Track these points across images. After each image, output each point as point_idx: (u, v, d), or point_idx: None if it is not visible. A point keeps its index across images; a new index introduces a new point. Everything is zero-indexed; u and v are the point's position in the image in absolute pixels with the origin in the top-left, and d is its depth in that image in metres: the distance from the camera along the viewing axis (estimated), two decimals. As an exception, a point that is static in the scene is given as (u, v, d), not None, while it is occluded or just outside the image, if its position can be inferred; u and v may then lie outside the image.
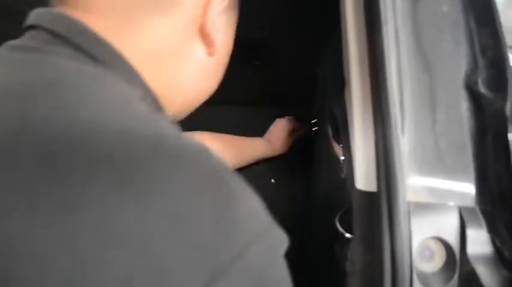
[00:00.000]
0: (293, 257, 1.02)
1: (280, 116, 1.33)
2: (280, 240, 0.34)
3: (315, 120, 1.23)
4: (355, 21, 0.54)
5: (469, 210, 0.43)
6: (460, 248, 0.42)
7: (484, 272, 0.40)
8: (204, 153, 0.32)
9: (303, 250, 1.04)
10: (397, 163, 0.43)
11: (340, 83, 0.70)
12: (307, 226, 1.08)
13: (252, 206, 0.33)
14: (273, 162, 1.26)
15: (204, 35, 0.43)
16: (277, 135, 1.23)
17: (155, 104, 0.41)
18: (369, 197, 0.47)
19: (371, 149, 0.47)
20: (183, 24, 0.41)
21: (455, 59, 0.51)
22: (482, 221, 0.43)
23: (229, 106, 1.38)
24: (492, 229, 0.42)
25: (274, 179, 1.20)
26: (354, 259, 0.50)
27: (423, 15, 0.52)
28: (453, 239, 0.42)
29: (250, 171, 1.23)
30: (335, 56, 0.91)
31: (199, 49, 0.44)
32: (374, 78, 0.48)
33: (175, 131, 0.34)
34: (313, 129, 1.23)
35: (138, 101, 0.35)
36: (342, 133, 0.73)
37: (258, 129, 1.31)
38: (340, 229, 0.57)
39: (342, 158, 0.74)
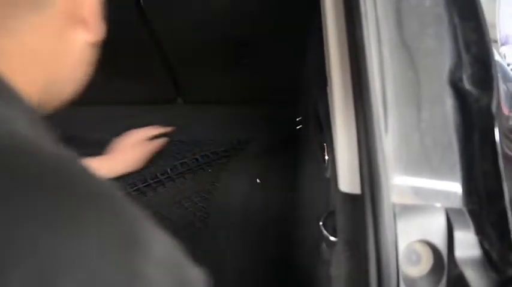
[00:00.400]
0: (282, 260, 1.00)
1: (267, 114, 1.32)
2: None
3: (299, 118, 1.21)
4: (334, 14, 0.52)
5: (456, 211, 0.41)
6: (448, 251, 0.40)
7: (472, 276, 0.39)
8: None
9: (291, 252, 1.02)
10: (381, 163, 0.42)
11: (322, 81, 0.68)
12: (294, 227, 1.06)
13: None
14: (258, 162, 1.24)
15: (82, 23, 0.40)
16: (122, 149, 1.12)
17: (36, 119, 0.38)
18: (353, 200, 0.45)
19: (353, 149, 0.45)
20: (59, 16, 0.38)
21: (439, 54, 0.49)
22: (470, 223, 0.41)
23: (217, 105, 1.37)
24: (480, 231, 0.40)
25: (260, 180, 1.18)
26: (339, 263, 0.48)
27: (405, 8, 0.51)
28: (440, 242, 0.40)
29: (234, 171, 1.21)
30: (318, 53, 0.90)
31: (81, 38, 0.42)
32: (355, 74, 0.46)
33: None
34: (298, 127, 1.22)
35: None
36: (326, 132, 0.71)
37: (246, 128, 1.29)
38: (325, 232, 0.55)
39: (326, 157, 0.73)
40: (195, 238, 1.09)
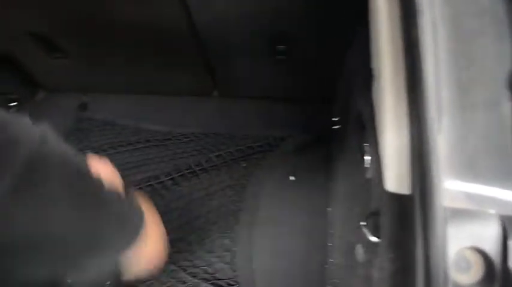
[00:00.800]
0: (313, 258, 0.98)
1: (303, 112, 1.31)
2: None
3: (337, 118, 1.19)
4: (387, 12, 0.50)
5: (511, 219, 0.40)
6: (501, 261, 0.38)
7: (526, 287, 0.37)
8: None
9: (324, 251, 1.01)
10: (433, 164, 0.40)
11: (367, 80, 0.67)
12: (327, 226, 1.05)
13: None
14: (292, 159, 1.23)
15: None
16: None
17: None
18: (401, 200, 0.44)
19: (404, 149, 0.44)
20: None
21: (498, 56, 0.47)
22: (527, 232, 0.39)
23: (252, 100, 1.37)
24: (537, 241, 0.39)
25: (293, 177, 1.17)
26: (382, 265, 0.47)
27: (463, 8, 0.49)
28: (493, 250, 0.39)
29: (268, 168, 1.20)
30: (362, 52, 0.88)
31: None
32: (409, 74, 0.45)
33: None
34: (334, 127, 1.20)
35: None
36: (368, 132, 0.70)
37: (282, 125, 1.29)
38: (366, 232, 0.54)
39: (367, 157, 0.71)
40: (226, 232, 1.10)
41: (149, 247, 0.51)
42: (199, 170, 1.23)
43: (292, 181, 1.17)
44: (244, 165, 1.22)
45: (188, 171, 1.23)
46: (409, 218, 0.41)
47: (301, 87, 1.31)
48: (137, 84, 1.50)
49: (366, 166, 0.72)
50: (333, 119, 1.22)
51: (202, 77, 1.36)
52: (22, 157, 0.37)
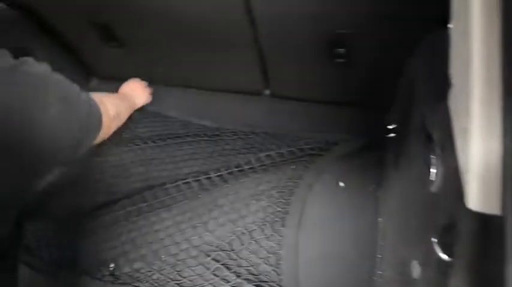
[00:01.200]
0: (361, 270, 0.94)
1: (356, 117, 1.27)
2: None
3: (392, 125, 1.15)
4: (483, 13, 0.46)
5: None
6: None
7: None
8: None
9: (372, 262, 0.98)
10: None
11: (440, 87, 0.63)
12: (377, 237, 1.01)
13: None
14: (341, 164, 1.20)
15: None
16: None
17: None
18: (486, 221, 0.40)
19: (495, 164, 0.40)
20: None
21: None
22: None
23: (304, 102, 1.34)
24: None
25: (343, 183, 1.14)
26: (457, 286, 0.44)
27: None
28: None
29: (317, 172, 1.17)
30: (432, 58, 0.84)
31: None
32: (506, 78, 0.41)
33: None
34: (389, 135, 1.16)
35: None
36: (439, 143, 0.66)
37: (334, 129, 1.26)
38: (439, 251, 0.50)
39: (434, 170, 0.67)
40: (272, 234, 1.08)
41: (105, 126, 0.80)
42: (248, 168, 1.21)
43: (342, 187, 1.13)
44: (293, 167, 1.20)
45: (237, 169, 1.22)
46: (497, 241, 0.37)
47: (357, 92, 1.27)
48: (188, 78, 1.51)
49: (431, 179, 0.68)
50: (388, 126, 1.18)
51: (255, 75, 1.35)
52: None
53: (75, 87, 0.73)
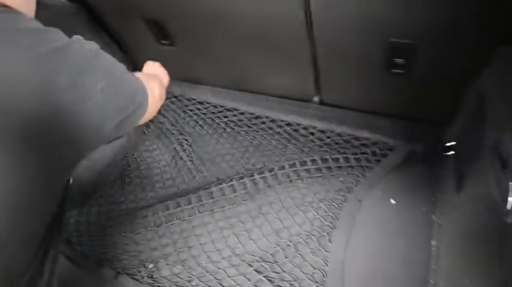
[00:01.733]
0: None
1: (410, 130, 1.21)
2: None
3: (451, 143, 1.09)
4: None
5: None
6: None
7: None
8: None
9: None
10: None
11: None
12: (429, 261, 0.95)
13: None
14: (392, 178, 1.14)
15: None
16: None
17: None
18: None
19: None
20: None
21: None
22: None
23: (356, 112, 1.29)
24: None
25: (394, 200, 1.08)
26: None
27: None
28: None
29: (367, 186, 1.12)
30: (510, 72, 0.78)
31: None
32: None
33: None
34: (448, 153, 1.09)
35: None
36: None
37: (385, 141, 1.20)
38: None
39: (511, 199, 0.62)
40: (318, 249, 1.04)
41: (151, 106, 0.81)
42: (293, 173, 1.19)
43: (393, 204, 1.08)
44: (341, 179, 1.15)
45: (282, 172, 1.19)
46: None
47: (413, 104, 1.21)
48: (238, 79, 1.48)
49: (508, 208, 0.62)
50: (447, 142, 1.12)
51: (306, 81, 1.31)
52: None
53: (122, 66, 0.75)
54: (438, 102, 1.16)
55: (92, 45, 0.69)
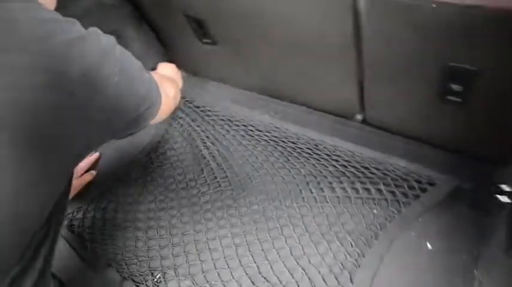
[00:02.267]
0: None
1: (458, 165, 1.08)
2: None
3: (508, 187, 0.95)
4: None
5: None
6: None
7: None
8: None
9: None
10: None
11: None
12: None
13: None
14: (431, 219, 1.01)
15: None
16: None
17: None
18: None
19: None
20: None
21: None
22: None
23: (400, 137, 1.17)
24: None
25: (431, 246, 0.95)
26: None
27: None
28: None
29: (402, 224, 1.00)
30: None
31: None
32: None
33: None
34: (500, 197, 0.96)
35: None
36: None
37: (428, 174, 1.08)
38: None
39: None
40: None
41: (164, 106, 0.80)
42: (321, 196, 1.11)
43: (429, 249, 0.95)
44: (375, 212, 1.04)
45: (311, 192, 1.12)
46: None
47: (466, 136, 1.08)
48: (278, 88, 1.41)
49: None
50: (501, 185, 0.98)
51: (350, 97, 1.21)
52: None
53: (139, 63, 0.75)
54: (496, 137, 1.03)
55: (110, 39, 0.68)
